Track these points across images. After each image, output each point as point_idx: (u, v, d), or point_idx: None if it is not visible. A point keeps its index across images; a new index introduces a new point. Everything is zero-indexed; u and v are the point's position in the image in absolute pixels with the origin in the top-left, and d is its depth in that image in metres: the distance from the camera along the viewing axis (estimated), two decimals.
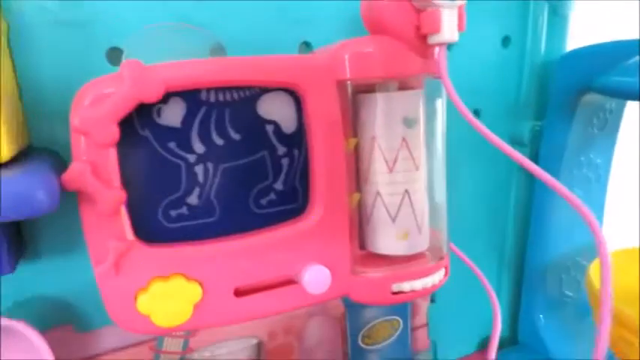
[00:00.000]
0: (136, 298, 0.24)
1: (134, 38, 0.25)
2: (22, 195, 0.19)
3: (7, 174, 0.20)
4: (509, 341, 0.44)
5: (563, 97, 0.36)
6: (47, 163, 0.22)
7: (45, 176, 0.20)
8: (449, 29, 0.23)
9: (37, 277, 0.27)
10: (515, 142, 0.39)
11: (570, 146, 0.36)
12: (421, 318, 0.41)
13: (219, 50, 0.28)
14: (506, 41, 0.38)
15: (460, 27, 0.23)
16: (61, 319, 0.28)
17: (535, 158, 0.38)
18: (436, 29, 0.23)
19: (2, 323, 0.23)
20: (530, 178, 0.40)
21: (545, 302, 0.40)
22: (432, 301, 0.41)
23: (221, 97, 0.24)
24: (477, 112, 0.38)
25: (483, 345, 0.44)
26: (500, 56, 0.38)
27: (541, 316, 0.40)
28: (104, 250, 0.23)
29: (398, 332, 0.39)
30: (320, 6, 0.31)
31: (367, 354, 0.39)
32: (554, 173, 0.23)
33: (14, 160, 0.21)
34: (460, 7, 0.23)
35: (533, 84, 0.39)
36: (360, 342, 0.38)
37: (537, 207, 0.39)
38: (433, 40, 0.23)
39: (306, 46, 0.31)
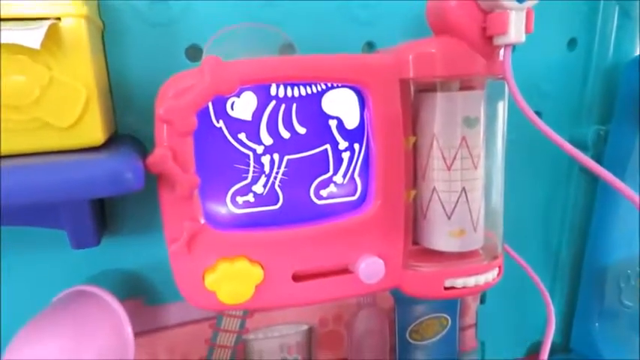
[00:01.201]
0: (203, 276, 0.26)
1: (214, 37, 0.27)
2: (113, 174, 0.21)
3: (101, 156, 0.22)
4: (560, 348, 0.43)
5: (631, 102, 0.35)
6: (132, 149, 0.25)
7: (132, 159, 0.22)
8: (516, 31, 0.23)
9: (114, 252, 0.30)
10: (577, 146, 0.38)
11: (637, 152, 0.35)
12: (470, 318, 0.41)
13: (288, 48, 0.29)
14: (572, 44, 0.37)
15: (528, 29, 0.23)
16: (133, 292, 0.31)
17: (599, 163, 0.37)
18: (503, 31, 0.23)
19: (89, 289, 0.26)
20: (591, 181, 0.39)
21: (602, 311, 0.39)
22: (482, 302, 0.41)
23: (289, 93, 0.26)
24: (537, 115, 0.38)
25: (533, 350, 0.44)
26: (565, 59, 0.37)
27: (597, 324, 0.39)
28: (178, 230, 0.25)
29: (446, 330, 0.40)
30: (383, 8, 0.31)
31: (414, 349, 0.39)
32: (619, 179, 0.23)
33: (105, 145, 0.23)
34: (528, 9, 0.23)
35: (598, 88, 0.38)
36: (407, 337, 0.39)
37: (599, 212, 0.38)
38: (499, 41, 0.24)
39: (369, 46, 0.32)
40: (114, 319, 0.25)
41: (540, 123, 0.24)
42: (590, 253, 0.39)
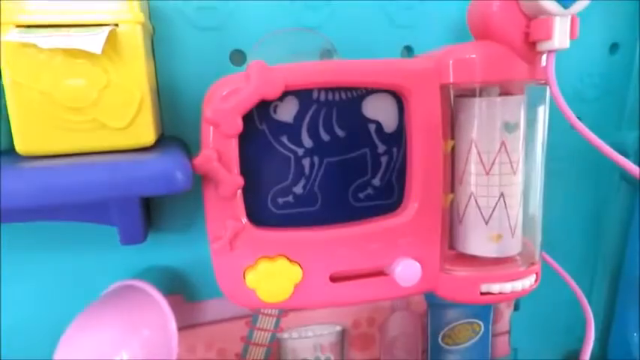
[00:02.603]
0: (244, 274, 0.26)
1: (258, 42, 0.28)
2: (164, 174, 0.22)
3: (152, 156, 0.23)
4: (597, 358, 0.42)
5: None
6: (179, 150, 0.26)
7: (181, 159, 0.23)
8: (560, 37, 0.23)
9: (158, 249, 0.31)
10: (618, 152, 0.37)
11: None
12: (503, 325, 0.41)
13: (331, 52, 0.30)
14: (614, 48, 0.37)
15: (572, 35, 0.23)
16: (174, 288, 0.32)
17: None
18: (547, 37, 0.23)
19: (136, 284, 0.27)
20: (632, 189, 0.39)
21: None
22: (516, 308, 0.41)
23: (330, 97, 0.26)
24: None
25: (567, 358, 0.43)
26: (606, 63, 0.37)
27: (635, 334, 0.38)
28: (221, 229, 0.26)
29: (478, 336, 0.39)
30: (422, 12, 0.32)
31: (446, 354, 0.39)
32: None
33: (154, 146, 0.24)
34: (573, 15, 0.23)
35: None
36: (440, 341, 0.39)
37: (639, 220, 0.37)
38: (543, 47, 0.24)
39: (408, 50, 0.32)
40: (159, 313, 0.26)
41: (584, 129, 0.24)
42: (630, 261, 0.38)
